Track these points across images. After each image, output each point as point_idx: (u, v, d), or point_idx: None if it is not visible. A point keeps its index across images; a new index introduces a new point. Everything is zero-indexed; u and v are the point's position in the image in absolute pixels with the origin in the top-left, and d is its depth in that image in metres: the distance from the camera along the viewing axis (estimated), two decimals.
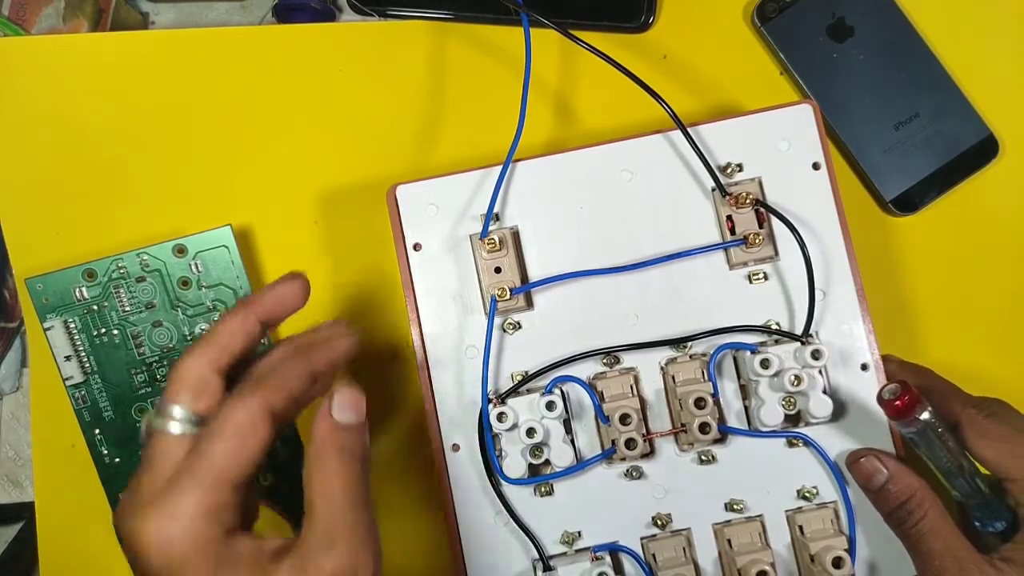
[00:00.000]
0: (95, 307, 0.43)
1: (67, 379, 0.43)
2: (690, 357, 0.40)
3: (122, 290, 0.43)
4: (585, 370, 0.40)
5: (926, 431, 0.35)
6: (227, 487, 0.29)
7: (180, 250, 0.44)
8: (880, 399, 0.35)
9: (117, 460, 0.44)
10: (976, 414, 0.37)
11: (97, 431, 0.44)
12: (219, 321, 0.33)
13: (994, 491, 0.37)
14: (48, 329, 0.43)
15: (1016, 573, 0.35)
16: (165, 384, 0.31)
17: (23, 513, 0.49)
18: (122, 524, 0.29)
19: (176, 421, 0.31)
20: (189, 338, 0.44)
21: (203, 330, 0.44)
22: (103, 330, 0.43)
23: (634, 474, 0.40)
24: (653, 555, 0.39)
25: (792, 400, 0.38)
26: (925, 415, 0.34)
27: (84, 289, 0.43)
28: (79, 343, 0.43)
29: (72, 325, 0.43)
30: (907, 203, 0.46)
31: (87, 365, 0.43)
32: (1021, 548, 0.35)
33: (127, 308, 0.44)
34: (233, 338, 0.32)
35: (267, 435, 0.30)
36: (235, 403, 0.30)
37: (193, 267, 0.44)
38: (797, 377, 0.37)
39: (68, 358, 0.43)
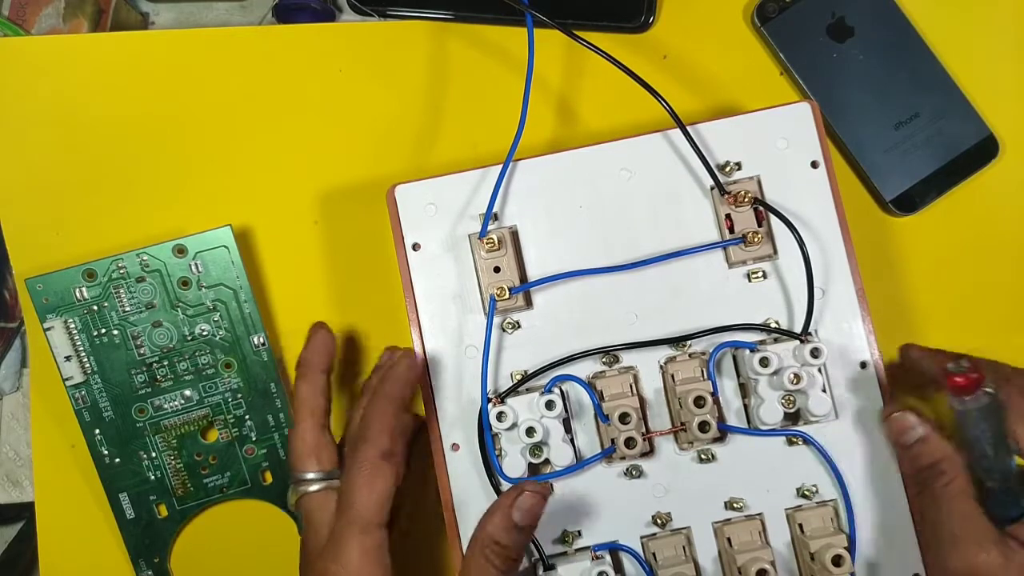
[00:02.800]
0: (95, 307, 0.43)
1: (67, 379, 0.43)
2: (689, 356, 0.40)
3: (122, 290, 0.43)
4: (584, 369, 0.40)
5: (992, 406, 0.35)
6: (376, 528, 0.35)
7: (180, 250, 0.44)
8: (945, 371, 0.35)
9: (117, 460, 0.44)
10: (1017, 394, 0.37)
11: (97, 431, 0.44)
12: (297, 392, 0.40)
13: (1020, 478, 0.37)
14: (48, 329, 0.43)
15: None
16: (287, 457, 0.39)
17: (23, 513, 0.50)
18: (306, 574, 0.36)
19: (314, 482, 0.37)
20: (189, 338, 0.44)
21: (203, 331, 0.44)
22: (103, 330, 0.43)
23: (634, 473, 0.40)
24: (653, 554, 0.39)
25: (791, 398, 0.38)
26: (989, 390, 0.35)
27: (84, 289, 0.43)
28: (79, 343, 0.43)
29: (72, 325, 0.43)
30: (907, 203, 0.46)
31: (87, 365, 0.43)
32: None
33: (127, 308, 0.44)
34: (317, 399, 0.39)
35: (391, 473, 0.36)
36: (354, 459, 0.36)
37: (193, 267, 0.44)
38: (796, 375, 0.37)
39: (68, 358, 0.43)
